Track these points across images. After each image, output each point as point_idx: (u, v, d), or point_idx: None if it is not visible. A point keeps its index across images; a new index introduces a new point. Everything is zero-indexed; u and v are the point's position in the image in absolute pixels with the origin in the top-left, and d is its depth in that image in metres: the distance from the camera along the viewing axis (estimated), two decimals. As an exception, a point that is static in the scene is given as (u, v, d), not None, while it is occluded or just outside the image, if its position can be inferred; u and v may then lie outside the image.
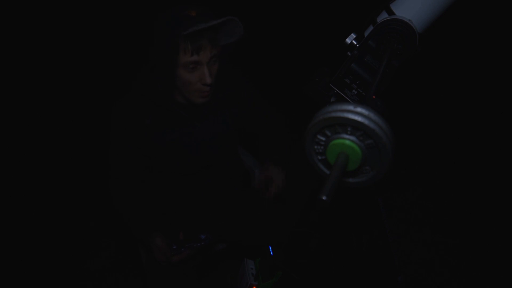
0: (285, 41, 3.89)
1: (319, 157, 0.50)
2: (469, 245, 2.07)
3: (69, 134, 2.81)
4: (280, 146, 1.47)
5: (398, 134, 0.49)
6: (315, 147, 0.48)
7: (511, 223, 2.14)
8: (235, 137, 1.47)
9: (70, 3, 3.73)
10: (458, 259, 2.01)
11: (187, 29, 1.07)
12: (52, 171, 2.53)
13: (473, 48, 3.46)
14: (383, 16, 0.75)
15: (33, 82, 3.30)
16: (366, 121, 0.42)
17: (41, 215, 2.27)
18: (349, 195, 0.91)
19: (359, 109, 0.42)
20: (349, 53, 0.76)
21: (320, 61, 1.61)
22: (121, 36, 3.49)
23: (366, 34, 0.77)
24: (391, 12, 0.74)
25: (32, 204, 2.33)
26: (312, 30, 3.91)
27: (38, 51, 3.53)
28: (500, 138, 2.71)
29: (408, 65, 0.78)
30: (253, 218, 1.47)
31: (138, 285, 1.93)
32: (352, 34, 0.77)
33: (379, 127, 0.42)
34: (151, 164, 1.36)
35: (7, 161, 2.57)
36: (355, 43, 0.76)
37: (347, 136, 0.45)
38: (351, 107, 0.43)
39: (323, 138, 0.47)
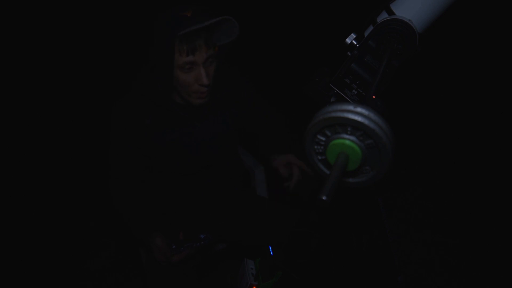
0: (285, 41, 3.89)
1: (319, 157, 0.50)
2: (469, 245, 2.07)
3: (69, 134, 2.81)
4: (280, 146, 1.47)
5: (398, 134, 0.49)
6: (315, 147, 0.48)
7: (511, 223, 2.14)
8: (235, 137, 1.47)
9: (70, 3, 3.73)
10: (458, 259, 2.01)
11: (182, 29, 1.07)
12: (52, 171, 2.53)
13: (473, 48, 3.46)
14: (383, 16, 0.75)
15: (33, 82, 3.30)
16: (366, 121, 0.42)
17: (41, 215, 2.27)
18: (349, 195, 0.91)
19: (359, 109, 0.42)
20: (349, 53, 0.76)
21: (320, 61, 1.61)
22: (121, 36, 3.49)
23: (366, 34, 0.77)
24: (391, 12, 0.74)
25: (32, 204, 2.33)
26: (312, 30, 3.91)
27: (38, 51, 3.53)
28: (500, 138, 2.71)
29: (408, 65, 0.78)
30: (253, 218, 1.47)
31: (138, 285, 1.93)
32: (352, 34, 0.77)
33: (379, 127, 0.42)
34: (151, 164, 1.36)
35: (7, 161, 2.57)
36: (355, 43, 0.76)
37: (347, 136, 0.45)
38: (351, 107, 0.43)
39: (323, 138, 0.47)
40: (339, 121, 0.43)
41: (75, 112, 2.99)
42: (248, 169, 1.63)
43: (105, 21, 3.74)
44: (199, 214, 1.45)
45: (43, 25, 3.63)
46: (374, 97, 0.61)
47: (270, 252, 1.25)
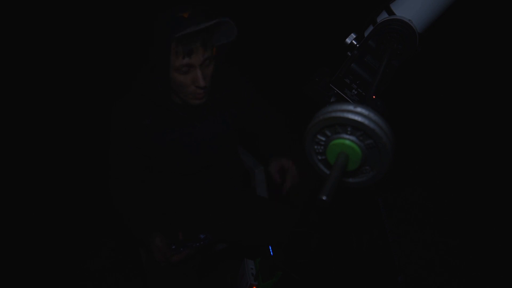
0: (285, 41, 3.89)
1: (319, 157, 0.50)
2: (469, 245, 2.07)
3: (69, 134, 2.81)
4: (280, 146, 1.47)
5: (398, 134, 0.49)
6: (315, 147, 0.48)
7: (511, 223, 2.14)
8: (235, 137, 1.47)
9: (70, 3, 3.73)
10: (458, 259, 2.01)
11: (178, 31, 1.07)
12: (52, 171, 2.53)
13: (473, 48, 3.46)
14: (383, 16, 0.75)
15: (33, 82, 3.30)
16: (366, 121, 0.42)
17: (41, 215, 2.27)
18: (349, 195, 0.91)
19: (359, 109, 0.42)
20: (349, 53, 0.76)
21: (320, 61, 1.61)
22: (121, 36, 3.49)
23: (366, 34, 0.77)
24: (391, 12, 0.74)
25: (32, 204, 2.33)
26: (312, 30, 3.91)
27: (38, 51, 3.53)
28: (500, 138, 2.71)
29: (408, 65, 0.78)
30: (253, 218, 1.47)
31: (138, 285, 1.93)
32: (352, 34, 0.77)
33: (379, 127, 0.42)
34: (151, 164, 1.36)
35: (7, 161, 2.57)
36: (355, 43, 0.76)
37: (347, 136, 0.45)
38: (351, 107, 0.43)
39: (323, 138, 0.47)
40: (339, 121, 0.43)
41: (75, 112, 2.99)
42: (248, 169, 1.63)
43: (105, 21, 3.74)
44: (199, 214, 1.45)
45: (44, 25, 3.63)
46: (374, 97, 0.61)
47: (270, 252, 1.25)
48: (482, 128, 2.83)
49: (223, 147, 1.40)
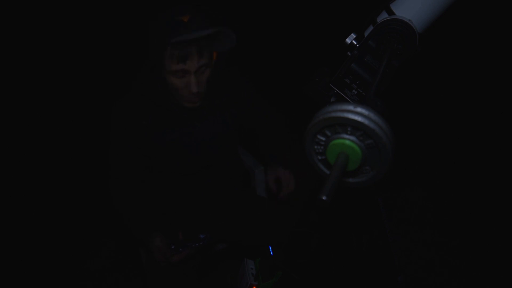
0: (285, 41, 3.89)
1: (319, 157, 0.50)
2: (469, 245, 2.07)
3: (69, 134, 2.81)
4: (280, 146, 1.47)
5: (398, 134, 0.49)
6: (315, 147, 0.48)
7: (511, 223, 2.14)
8: (235, 137, 1.47)
9: (71, 3, 3.73)
10: (458, 259, 2.01)
11: (174, 37, 1.06)
12: (52, 171, 2.53)
13: (473, 48, 3.46)
14: (383, 16, 0.75)
15: (34, 82, 3.30)
16: (366, 121, 0.42)
17: (41, 215, 2.27)
18: (349, 195, 0.91)
19: (359, 109, 0.42)
20: (349, 53, 0.76)
21: (320, 61, 1.61)
22: (121, 36, 3.49)
23: (366, 34, 0.77)
24: (391, 12, 0.74)
25: (32, 204, 2.33)
26: (312, 30, 3.91)
27: (38, 51, 3.53)
28: (500, 138, 2.71)
29: (408, 65, 0.78)
30: (253, 218, 1.47)
31: (138, 285, 1.93)
32: (352, 34, 0.77)
33: (379, 127, 0.42)
34: (151, 164, 1.36)
35: (7, 161, 2.57)
36: (355, 43, 0.76)
37: (347, 136, 0.45)
38: (351, 107, 0.43)
39: (323, 138, 0.47)
40: (339, 121, 0.43)
41: (75, 112, 2.99)
42: (248, 169, 1.63)
43: (106, 21, 3.74)
44: (199, 214, 1.45)
45: (44, 25, 3.63)
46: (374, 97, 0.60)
47: (270, 252, 1.25)
48: (482, 128, 2.83)
49: (223, 147, 1.40)
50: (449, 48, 3.33)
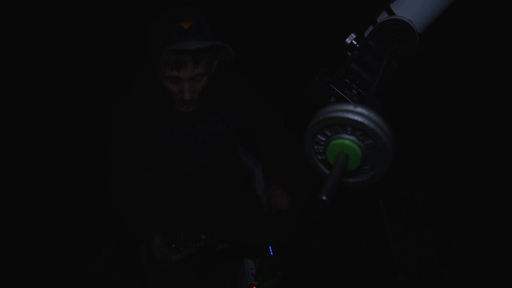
0: (285, 41, 3.89)
1: (319, 157, 0.50)
2: (469, 245, 2.07)
3: (69, 134, 2.81)
4: (280, 146, 1.47)
5: (398, 134, 0.49)
6: (315, 147, 0.48)
7: (511, 223, 2.14)
8: (235, 137, 1.47)
9: (71, 2, 3.73)
10: (458, 259, 2.01)
11: (172, 43, 1.05)
12: (52, 171, 2.53)
13: (473, 48, 3.46)
14: (383, 16, 0.75)
15: (34, 82, 3.30)
16: (366, 121, 0.42)
17: (41, 215, 2.27)
18: (349, 195, 0.91)
19: (359, 109, 0.42)
20: (349, 53, 0.76)
21: (320, 61, 1.61)
22: (122, 36, 3.49)
23: (366, 34, 0.77)
24: (391, 12, 0.74)
25: (32, 204, 2.33)
26: (312, 30, 3.91)
27: (39, 51, 3.53)
28: (500, 138, 2.71)
29: (408, 65, 0.78)
30: (253, 218, 1.47)
31: (138, 285, 1.93)
32: (352, 34, 0.77)
33: (379, 127, 0.42)
34: (151, 164, 1.36)
35: (7, 161, 2.57)
36: (355, 43, 0.76)
37: (347, 136, 0.45)
38: (351, 107, 0.43)
39: (323, 138, 0.47)
40: (339, 121, 0.43)
41: (75, 112, 2.99)
42: (248, 169, 1.63)
43: (106, 20, 3.74)
44: (199, 214, 1.45)
45: (44, 25, 3.63)
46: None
47: (270, 252, 1.25)
48: (482, 128, 2.83)
49: (223, 147, 1.40)
50: (449, 48, 3.33)
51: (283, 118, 1.52)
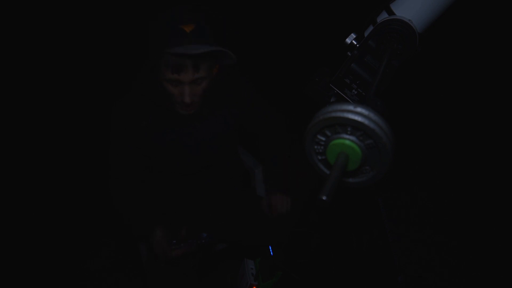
0: (285, 41, 3.89)
1: (319, 157, 0.50)
2: (469, 245, 2.07)
3: (69, 134, 2.81)
4: (280, 147, 1.47)
5: (398, 134, 0.49)
6: (315, 147, 0.48)
7: (511, 223, 2.14)
8: (235, 137, 1.47)
9: (71, 2, 3.73)
10: (458, 259, 2.01)
11: (173, 47, 1.05)
12: (52, 171, 2.53)
13: (473, 48, 3.46)
14: (383, 16, 0.75)
15: (34, 82, 3.30)
16: (366, 121, 0.42)
17: (41, 215, 2.27)
18: (349, 195, 0.91)
19: (359, 109, 0.42)
20: (349, 53, 0.76)
21: (320, 61, 1.61)
22: (122, 36, 3.48)
23: (366, 34, 0.77)
24: (391, 12, 0.74)
25: (32, 204, 2.33)
26: (312, 30, 3.91)
27: (39, 51, 3.53)
28: (500, 138, 2.71)
29: (408, 65, 0.78)
30: (253, 218, 1.47)
31: (138, 285, 1.93)
32: (352, 34, 0.77)
33: (379, 127, 0.42)
34: (151, 164, 1.36)
35: (7, 161, 2.57)
36: (355, 43, 0.76)
37: (347, 136, 0.45)
38: (351, 107, 0.43)
39: (323, 138, 0.47)
40: (339, 121, 0.43)
41: (75, 112, 2.99)
42: (248, 169, 1.63)
43: (106, 20, 3.74)
44: (199, 214, 1.45)
45: (44, 25, 3.63)
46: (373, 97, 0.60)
47: (270, 252, 1.25)
48: (482, 128, 2.83)
49: (223, 147, 1.40)
50: (449, 48, 3.33)
51: (283, 118, 1.52)
